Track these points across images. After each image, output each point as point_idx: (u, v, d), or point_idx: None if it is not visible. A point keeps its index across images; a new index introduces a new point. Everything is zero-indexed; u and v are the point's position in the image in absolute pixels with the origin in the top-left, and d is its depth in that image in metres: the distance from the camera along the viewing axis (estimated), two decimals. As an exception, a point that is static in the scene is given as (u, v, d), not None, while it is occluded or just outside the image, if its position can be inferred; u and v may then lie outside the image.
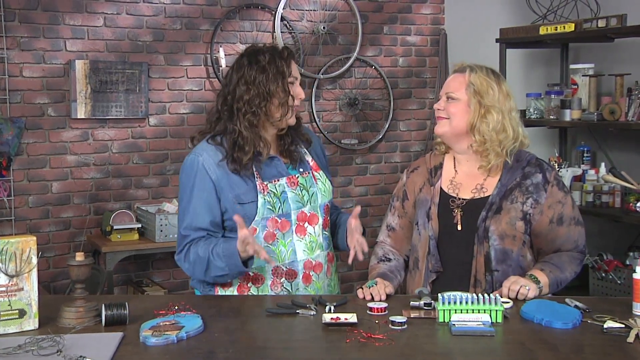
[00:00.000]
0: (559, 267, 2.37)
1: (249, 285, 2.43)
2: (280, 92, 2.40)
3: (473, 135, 2.40)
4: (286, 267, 2.45)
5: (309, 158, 2.59)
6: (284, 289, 2.44)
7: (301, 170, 2.53)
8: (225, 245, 2.33)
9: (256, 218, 2.40)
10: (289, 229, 2.45)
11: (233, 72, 2.45)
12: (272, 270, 2.43)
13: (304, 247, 2.48)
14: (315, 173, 2.56)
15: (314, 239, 2.50)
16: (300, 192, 2.49)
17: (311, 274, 2.49)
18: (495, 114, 2.37)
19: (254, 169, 2.42)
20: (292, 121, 2.48)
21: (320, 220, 2.52)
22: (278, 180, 2.45)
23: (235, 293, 2.44)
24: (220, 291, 2.46)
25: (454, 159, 2.51)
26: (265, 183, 2.42)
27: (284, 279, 2.44)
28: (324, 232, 2.55)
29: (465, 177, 2.47)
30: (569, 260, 2.41)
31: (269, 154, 2.44)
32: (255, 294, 2.43)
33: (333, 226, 2.66)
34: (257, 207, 2.40)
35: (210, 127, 2.50)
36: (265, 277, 2.43)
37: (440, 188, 2.47)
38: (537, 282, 2.29)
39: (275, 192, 2.43)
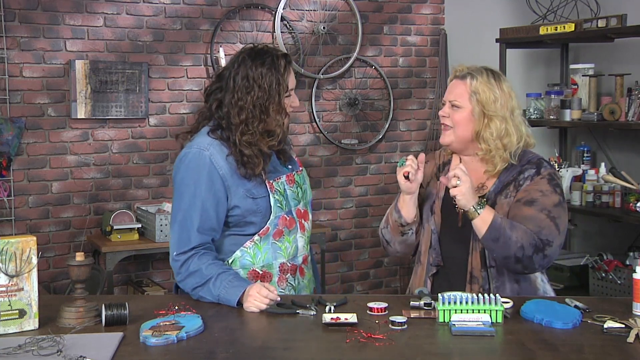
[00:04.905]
0: (511, 223, 2.27)
1: (254, 281, 2.42)
2: (276, 112, 2.38)
3: (479, 143, 2.40)
4: (290, 263, 2.47)
5: (294, 155, 2.62)
6: (288, 284, 2.46)
7: (290, 167, 2.55)
8: (234, 281, 2.26)
9: (271, 217, 2.41)
10: (294, 226, 2.47)
11: (230, 79, 2.39)
12: (279, 267, 2.45)
13: (304, 242, 2.52)
14: (302, 170, 2.60)
15: (309, 234, 2.55)
16: (296, 189, 2.52)
17: (303, 267, 2.53)
18: (498, 122, 2.37)
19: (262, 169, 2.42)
20: (286, 122, 2.48)
21: (310, 216, 2.58)
22: (280, 178, 2.47)
23: None
24: None
25: (460, 159, 2.52)
26: (271, 182, 2.43)
27: (289, 274, 2.47)
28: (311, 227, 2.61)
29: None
30: (524, 231, 2.26)
31: (269, 163, 2.43)
32: None
33: None
34: (269, 203, 2.40)
35: (198, 127, 2.46)
36: (272, 274, 2.44)
37: None
38: (482, 204, 2.26)
39: (280, 190, 2.45)
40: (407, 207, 2.42)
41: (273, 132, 2.41)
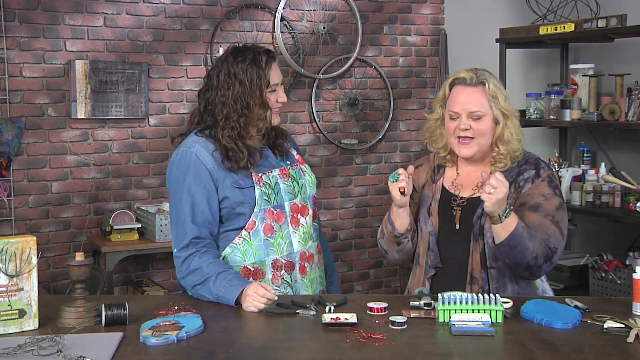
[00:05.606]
0: (530, 233, 2.27)
1: (250, 280, 2.41)
2: (258, 107, 2.41)
3: (497, 147, 2.38)
4: (285, 260, 2.46)
5: (293, 151, 2.63)
6: (284, 282, 2.45)
7: (288, 162, 2.56)
8: (234, 280, 2.26)
9: (255, 209, 2.41)
10: (284, 221, 2.47)
11: (214, 78, 2.44)
12: (271, 263, 2.44)
13: (299, 238, 2.50)
14: (301, 165, 2.60)
15: (306, 229, 2.53)
16: (291, 183, 2.51)
17: (305, 265, 2.51)
18: (514, 119, 2.37)
19: (248, 162, 2.43)
20: (275, 121, 2.50)
21: (310, 212, 2.56)
22: (271, 172, 2.47)
23: None
24: None
25: (457, 160, 2.51)
26: (259, 174, 2.44)
27: (283, 271, 2.46)
28: (314, 223, 2.58)
29: (467, 177, 2.47)
30: (540, 241, 2.27)
31: (260, 158, 2.45)
32: None
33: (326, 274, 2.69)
34: (255, 194, 2.41)
35: (190, 129, 2.51)
36: (266, 271, 2.44)
37: (442, 186, 2.48)
38: (507, 212, 2.22)
39: (270, 183, 2.45)
40: (401, 218, 2.40)
41: (256, 126, 2.44)
